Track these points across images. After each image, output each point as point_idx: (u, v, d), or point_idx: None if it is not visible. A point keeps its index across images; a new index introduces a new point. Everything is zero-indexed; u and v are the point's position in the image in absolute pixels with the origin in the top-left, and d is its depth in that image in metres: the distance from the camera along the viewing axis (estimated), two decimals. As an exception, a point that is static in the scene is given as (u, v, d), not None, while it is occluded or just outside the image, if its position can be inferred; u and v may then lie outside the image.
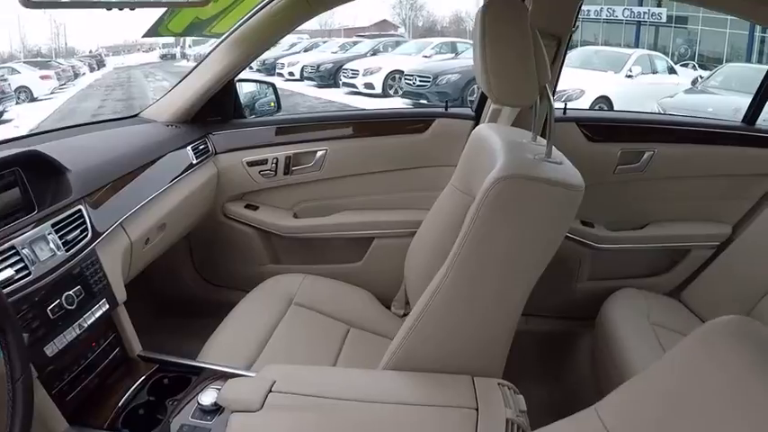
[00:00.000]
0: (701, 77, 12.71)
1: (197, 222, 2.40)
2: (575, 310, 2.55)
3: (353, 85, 15.31)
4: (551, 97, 1.61)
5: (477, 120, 2.46)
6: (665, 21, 26.72)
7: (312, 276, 2.26)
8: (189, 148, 2.28)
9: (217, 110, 2.47)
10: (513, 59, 1.45)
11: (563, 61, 2.22)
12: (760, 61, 21.82)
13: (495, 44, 1.44)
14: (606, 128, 2.47)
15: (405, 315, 2.18)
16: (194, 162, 2.28)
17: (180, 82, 2.40)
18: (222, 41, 2.28)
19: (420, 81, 12.97)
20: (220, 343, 1.85)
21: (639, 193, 2.52)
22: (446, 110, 2.50)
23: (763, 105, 2.52)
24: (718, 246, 2.53)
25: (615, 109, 10.53)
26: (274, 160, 2.48)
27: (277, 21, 2.19)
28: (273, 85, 2.74)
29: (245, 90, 2.59)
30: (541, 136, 1.72)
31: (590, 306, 2.40)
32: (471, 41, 2.46)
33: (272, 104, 2.70)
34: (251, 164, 2.49)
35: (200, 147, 2.35)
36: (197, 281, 2.68)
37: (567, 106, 2.48)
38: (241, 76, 2.44)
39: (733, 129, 2.53)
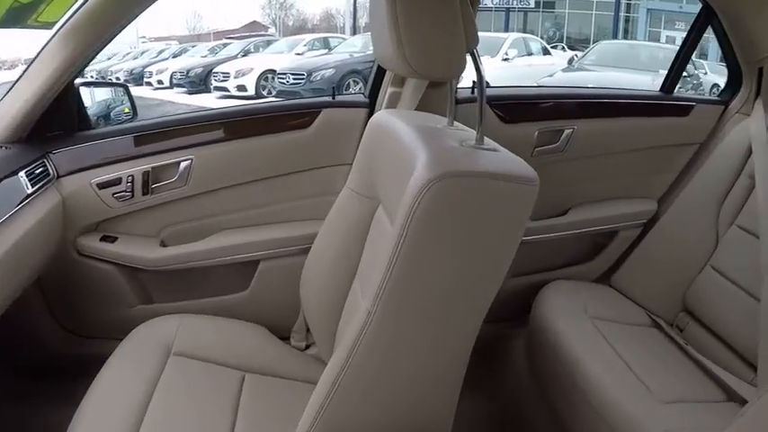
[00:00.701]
0: (577, 56, 12.95)
1: (46, 264, 1.88)
2: (501, 311, 2.26)
3: (225, 89, 14.71)
4: (481, 65, 1.32)
5: (371, 107, 2.10)
6: (533, 6, 27.37)
7: (192, 316, 1.86)
8: (22, 173, 1.74)
9: (57, 122, 1.93)
10: (437, 21, 1.19)
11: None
12: (626, 39, 22.53)
13: (410, 4, 1.17)
14: (521, 106, 2.26)
15: (308, 347, 1.90)
16: (30, 191, 1.74)
17: (7, 93, 1.85)
18: (55, 34, 1.75)
19: (294, 79, 12.64)
20: (89, 419, 1.42)
21: (560, 175, 2.33)
22: (333, 98, 2.11)
23: (681, 74, 2.45)
24: (645, 224, 2.43)
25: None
26: (129, 178, 1.97)
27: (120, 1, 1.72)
28: (126, 87, 2.36)
29: (98, 98, 2.16)
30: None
31: (518, 304, 2.25)
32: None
33: (127, 111, 2.29)
34: (102, 185, 1.96)
35: (38, 170, 1.82)
36: (58, 333, 2.13)
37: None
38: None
39: (652, 99, 2.44)
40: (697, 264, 2.10)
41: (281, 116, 2.10)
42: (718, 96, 2.51)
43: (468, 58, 1.26)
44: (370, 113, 2.04)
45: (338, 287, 1.41)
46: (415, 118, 1.50)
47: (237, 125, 2.06)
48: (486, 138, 1.29)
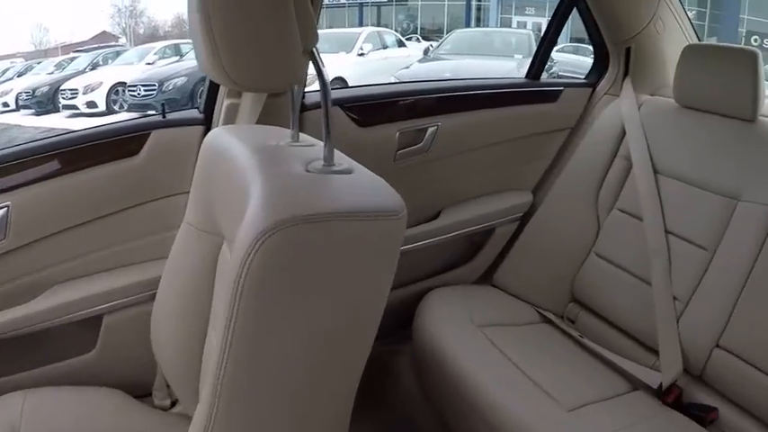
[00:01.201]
0: (432, 46, 13.00)
1: None
2: (382, 328, 2.01)
3: (75, 107, 13.72)
4: (323, 68, 1.08)
5: (208, 124, 1.79)
6: (385, 0, 27.34)
7: (35, 391, 1.51)
8: None
9: None
10: (261, 24, 0.98)
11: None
12: (479, 26, 22.97)
13: (227, 4, 0.96)
14: (379, 107, 2.05)
15: (173, 405, 1.67)
16: None
17: None
18: None
19: (145, 90, 11.95)
20: None
21: (428, 176, 2.18)
22: (164, 117, 1.78)
23: (547, 59, 2.39)
24: (522, 217, 2.37)
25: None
26: None
27: None
28: None
29: None
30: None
31: (401, 317, 2.10)
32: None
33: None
34: None
35: None
36: None
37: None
38: None
39: (518, 86, 2.35)
40: (580, 252, 2.07)
41: (105, 144, 1.72)
42: (586, 78, 2.46)
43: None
44: (207, 130, 1.75)
45: (192, 334, 1.21)
46: (255, 135, 1.27)
47: (57, 159, 1.68)
48: (338, 152, 1.07)
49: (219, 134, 1.29)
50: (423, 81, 2.28)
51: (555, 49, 2.57)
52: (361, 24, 25.76)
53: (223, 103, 1.71)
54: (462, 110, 2.17)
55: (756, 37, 16.53)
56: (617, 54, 2.30)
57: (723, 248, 1.74)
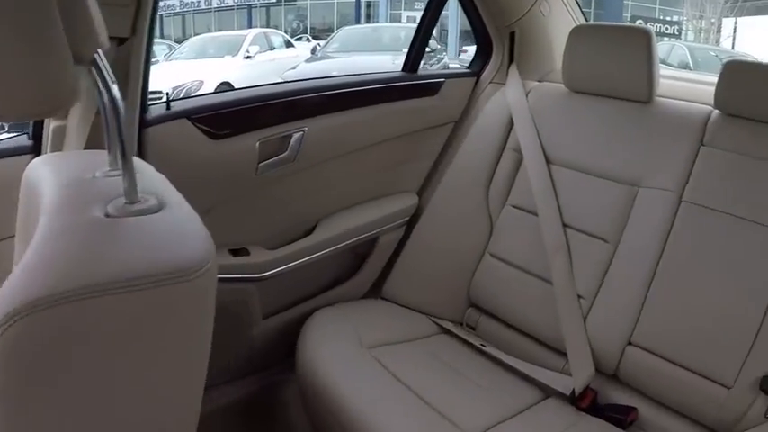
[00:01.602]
0: (320, 45, 12.76)
1: None
2: (265, 358, 2.05)
3: None
4: (110, 79, 0.80)
5: (37, 151, 1.53)
6: (274, 0, 27.10)
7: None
8: None
9: None
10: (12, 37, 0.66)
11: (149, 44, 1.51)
12: (369, 23, 22.94)
13: None
14: (234, 115, 1.78)
15: None
16: None
17: None
18: None
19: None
20: None
21: (298, 188, 1.98)
22: None
23: (423, 50, 2.20)
24: (408, 221, 2.19)
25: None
26: None
27: None
28: None
29: None
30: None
31: (283, 345, 1.96)
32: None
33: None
34: None
35: None
36: None
37: (172, 96, 1.74)
38: None
39: (394, 81, 2.14)
40: (474, 253, 1.97)
41: None
42: (468, 68, 2.33)
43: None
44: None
45: None
46: (73, 164, 1.02)
47: None
48: (157, 179, 0.88)
49: (36, 166, 1.04)
50: (287, 82, 2.02)
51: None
52: (250, 26, 25.36)
53: (50, 126, 1.47)
54: (332, 111, 1.94)
55: (641, 21, 17.01)
56: (500, 40, 2.18)
57: (626, 240, 1.69)
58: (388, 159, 2.14)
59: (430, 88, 2.15)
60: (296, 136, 1.85)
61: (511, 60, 2.16)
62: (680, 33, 20.27)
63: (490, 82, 2.20)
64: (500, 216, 1.96)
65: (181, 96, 1.91)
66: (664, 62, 11.99)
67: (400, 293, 2.07)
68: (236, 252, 1.86)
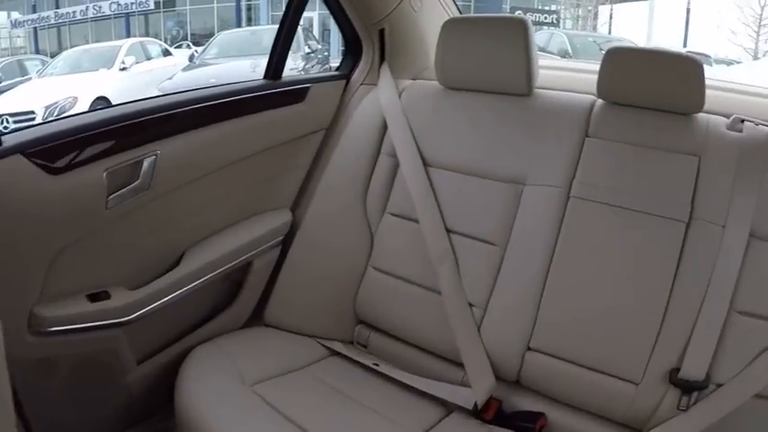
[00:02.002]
0: (197, 52, 12.46)
1: None
2: (144, 407, 1.87)
3: None
4: None
5: None
6: (153, 7, 26.42)
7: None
8: None
9: None
10: None
11: None
12: (250, 26, 22.68)
13: None
14: (76, 144, 1.54)
15: None
16: None
17: None
18: None
19: None
20: None
21: (156, 218, 1.76)
22: None
23: (286, 55, 2.02)
24: (284, 240, 2.03)
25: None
26: None
27: None
28: None
29: None
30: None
31: (161, 390, 1.76)
32: None
33: None
34: None
35: None
36: None
37: (46, 116, 1.45)
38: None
39: (256, 90, 1.95)
40: (356, 267, 1.87)
41: None
42: (337, 70, 2.17)
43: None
44: None
45: None
46: None
47: None
48: None
49: None
50: (133, 102, 1.81)
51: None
52: (128, 36, 24.61)
53: None
54: (187, 129, 1.74)
55: (520, 12, 17.38)
56: (370, 38, 2.05)
57: (514, 241, 1.64)
58: (256, 176, 1.98)
59: (295, 95, 2.00)
60: (147, 161, 1.64)
61: (382, 59, 2.05)
62: (558, 22, 20.87)
63: (361, 84, 2.08)
64: (380, 226, 1.86)
65: (51, 118, 1.68)
66: (543, 50, 12.27)
67: (283, 318, 1.94)
68: (94, 297, 1.65)
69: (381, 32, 2.00)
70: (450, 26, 1.80)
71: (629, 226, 1.52)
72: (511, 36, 1.69)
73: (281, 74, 2.01)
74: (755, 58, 17.75)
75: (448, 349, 1.67)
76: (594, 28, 20.72)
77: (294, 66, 9.08)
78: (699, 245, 1.48)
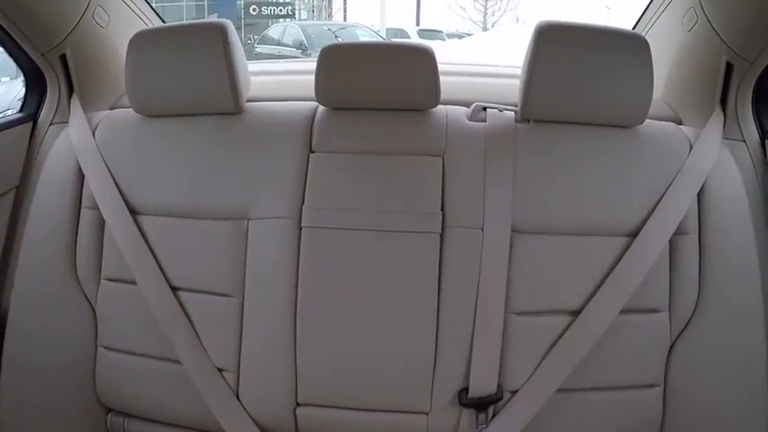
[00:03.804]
0: None
1: None
2: None
3: None
4: None
5: None
6: None
7: None
8: None
9: None
10: None
11: None
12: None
13: None
14: None
15: None
16: None
17: None
18: None
19: None
20: None
21: None
22: None
23: None
24: None
25: None
26: None
27: None
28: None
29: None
30: None
31: None
32: None
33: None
34: None
35: None
36: None
37: None
38: None
39: None
40: (85, 351, 1.58)
41: None
42: (21, 111, 1.75)
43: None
44: None
45: None
46: None
47: None
48: None
49: None
50: None
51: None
52: None
53: None
54: None
55: (255, 6, 17.14)
56: (50, 67, 1.67)
57: (251, 288, 1.45)
58: None
59: None
60: None
61: (71, 91, 1.69)
62: (294, 13, 20.82)
63: (50, 124, 1.71)
64: (98, 296, 1.56)
65: None
66: (280, 43, 12.15)
67: (17, 428, 1.59)
68: None
69: (63, 58, 1.65)
70: (137, 41, 1.52)
71: (376, 250, 1.40)
72: (209, 46, 1.47)
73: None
74: (485, 29, 18.87)
75: (209, 422, 1.45)
76: (330, 16, 20.93)
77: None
78: (459, 254, 1.39)
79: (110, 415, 1.62)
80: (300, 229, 1.43)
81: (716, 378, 1.42)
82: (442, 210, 1.40)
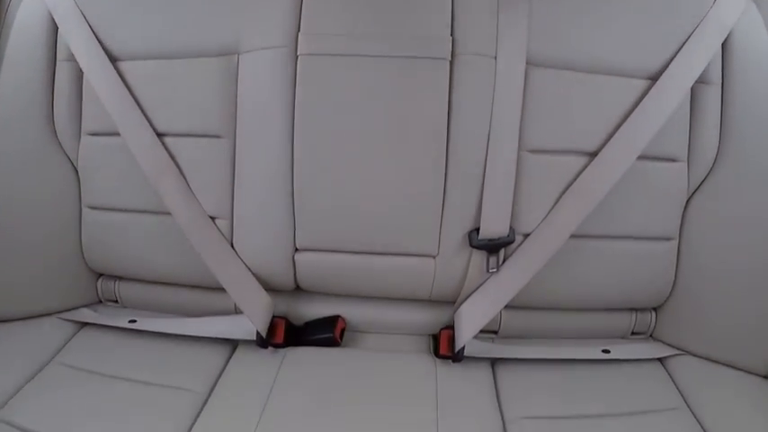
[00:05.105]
0: None
1: None
2: None
3: None
4: None
5: None
6: None
7: None
8: None
9: None
10: None
11: None
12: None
13: None
14: None
15: None
16: None
17: None
18: None
19: None
20: None
21: None
22: None
23: None
24: None
25: None
26: None
27: None
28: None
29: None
30: None
31: None
32: None
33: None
34: None
35: None
36: None
37: None
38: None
39: None
40: (68, 213, 1.51)
41: None
42: None
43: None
44: None
45: None
46: None
47: None
48: None
49: None
50: None
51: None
52: None
53: None
54: None
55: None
56: None
57: (243, 128, 1.37)
58: None
59: None
60: None
61: None
62: None
63: None
64: (80, 152, 1.48)
65: None
66: None
67: (2, 304, 1.50)
68: None
69: None
70: None
71: (379, 78, 1.30)
72: None
73: None
74: None
75: (204, 277, 1.41)
76: None
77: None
78: (470, 84, 1.30)
79: (100, 280, 1.57)
80: (296, 57, 1.33)
81: (731, 234, 1.37)
82: (451, 35, 1.30)
